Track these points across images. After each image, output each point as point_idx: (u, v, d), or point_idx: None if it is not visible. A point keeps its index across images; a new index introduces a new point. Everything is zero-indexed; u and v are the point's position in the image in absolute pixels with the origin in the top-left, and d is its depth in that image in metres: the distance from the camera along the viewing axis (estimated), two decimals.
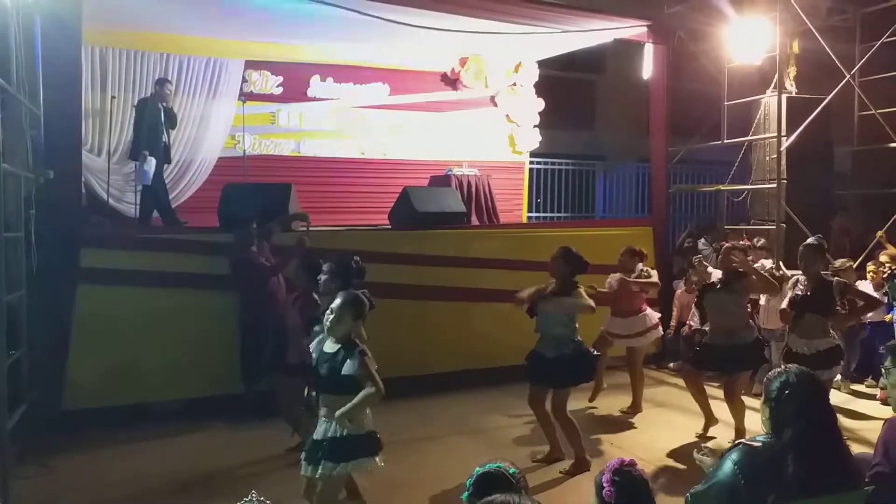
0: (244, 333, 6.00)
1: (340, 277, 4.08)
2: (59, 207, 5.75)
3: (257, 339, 5.79)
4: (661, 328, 6.48)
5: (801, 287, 4.93)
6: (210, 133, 8.97)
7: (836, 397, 5.11)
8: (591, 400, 6.44)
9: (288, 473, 4.59)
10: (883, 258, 6.99)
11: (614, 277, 6.27)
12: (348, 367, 3.38)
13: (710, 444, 2.90)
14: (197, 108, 8.91)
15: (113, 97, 8.27)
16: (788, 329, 5.07)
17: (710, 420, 5.58)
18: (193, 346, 6.07)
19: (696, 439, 5.48)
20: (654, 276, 6.25)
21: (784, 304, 5.04)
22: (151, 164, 7.61)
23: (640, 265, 6.31)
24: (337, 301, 3.51)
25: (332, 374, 3.43)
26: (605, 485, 2.07)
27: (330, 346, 3.53)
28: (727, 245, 5.57)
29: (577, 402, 6.16)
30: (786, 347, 5.00)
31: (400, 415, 5.56)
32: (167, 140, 7.85)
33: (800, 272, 5.08)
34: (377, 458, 3.51)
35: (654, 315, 6.39)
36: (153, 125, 7.68)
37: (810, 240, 5.11)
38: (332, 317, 3.47)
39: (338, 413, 3.34)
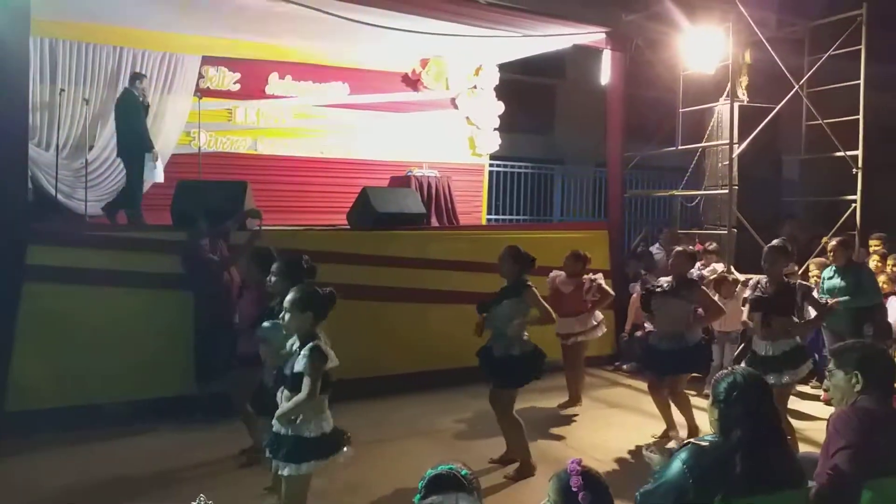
0: (198, 332, 5.89)
1: (289, 277, 4.03)
2: (5, 203, 5.57)
3: (212, 337, 5.69)
4: (603, 327, 6.53)
5: (762, 289, 5.00)
6: (164, 129, 8.78)
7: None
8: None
9: (241, 475, 4.54)
10: (813, 267, 7.19)
11: (558, 277, 6.36)
12: (298, 364, 3.34)
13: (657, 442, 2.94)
14: (151, 102, 8.71)
15: (62, 90, 8.04)
16: (752, 331, 5.14)
17: (671, 428, 5.59)
18: (145, 346, 5.93)
19: (652, 439, 5.58)
20: (606, 286, 6.37)
21: (745, 308, 5.15)
22: (149, 160, 7.49)
23: (597, 276, 6.40)
24: (288, 297, 3.47)
25: (291, 372, 3.41)
26: (576, 489, 2.06)
27: (296, 344, 3.49)
28: (679, 249, 5.68)
29: (540, 402, 6.25)
30: (750, 352, 5.04)
31: (355, 416, 5.51)
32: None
33: (752, 275, 5.22)
34: (340, 455, 3.46)
35: (597, 315, 6.45)
36: (136, 119, 7.56)
37: (775, 242, 5.17)
38: (284, 314, 3.43)
39: (276, 415, 3.33)
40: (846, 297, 6.02)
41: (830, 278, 6.33)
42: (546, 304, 4.91)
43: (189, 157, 8.69)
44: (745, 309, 5.17)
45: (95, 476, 4.72)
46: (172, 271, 5.97)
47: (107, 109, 8.45)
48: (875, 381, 2.61)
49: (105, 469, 4.84)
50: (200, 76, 9.12)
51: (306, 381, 3.28)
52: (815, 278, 7.04)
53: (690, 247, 6.68)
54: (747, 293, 5.29)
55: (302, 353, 3.35)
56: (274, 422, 3.42)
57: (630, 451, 5.36)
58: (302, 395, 3.27)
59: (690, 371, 5.60)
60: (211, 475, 4.73)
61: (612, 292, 6.44)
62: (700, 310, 5.41)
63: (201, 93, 8.82)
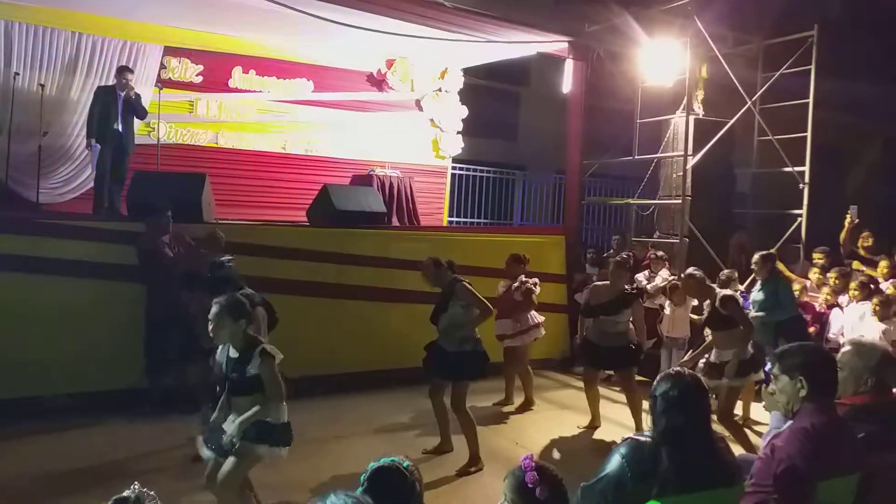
0: (150, 325, 5.82)
1: (203, 289, 4.07)
2: None
3: (164, 330, 5.63)
4: (542, 329, 6.63)
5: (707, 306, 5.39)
6: None
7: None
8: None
9: (189, 467, 4.49)
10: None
11: (502, 282, 6.48)
12: (252, 366, 3.38)
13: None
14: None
15: (16, 74, 7.84)
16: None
17: (595, 419, 6.03)
18: (93, 337, 5.84)
19: (581, 430, 5.94)
20: (534, 290, 6.49)
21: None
22: (96, 151, 7.37)
23: (533, 279, 6.52)
24: (213, 309, 3.50)
25: (240, 378, 3.45)
26: (532, 485, 2.07)
27: (234, 353, 3.53)
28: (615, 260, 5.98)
29: (481, 401, 6.33)
30: (707, 362, 5.31)
31: (308, 413, 5.51)
32: (121, 128, 7.49)
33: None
34: (283, 451, 3.51)
35: (536, 316, 6.56)
36: (103, 113, 7.40)
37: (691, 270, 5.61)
38: (212, 325, 3.48)
39: (233, 428, 3.35)
40: (762, 313, 6.25)
41: (758, 290, 6.57)
42: (480, 297, 5.03)
43: (148, 149, 8.52)
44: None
45: (37, 470, 4.63)
46: (124, 262, 5.90)
47: (63, 96, 8.27)
48: (819, 387, 2.60)
49: (47, 463, 4.75)
50: (162, 67, 8.98)
51: (270, 388, 3.39)
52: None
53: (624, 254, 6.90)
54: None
55: (253, 356, 3.41)
56: (228, 421, 3.44)
57: (573, 450, 5.50)
58: (268, 402, 3.38)
59: (620, 366, 5.95)
60: (160, 468, 4.68)
61: (534, 299, 6.52)
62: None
63: (162, 83, 8.69)
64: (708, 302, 5.43)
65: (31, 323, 5.65)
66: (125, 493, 1.76)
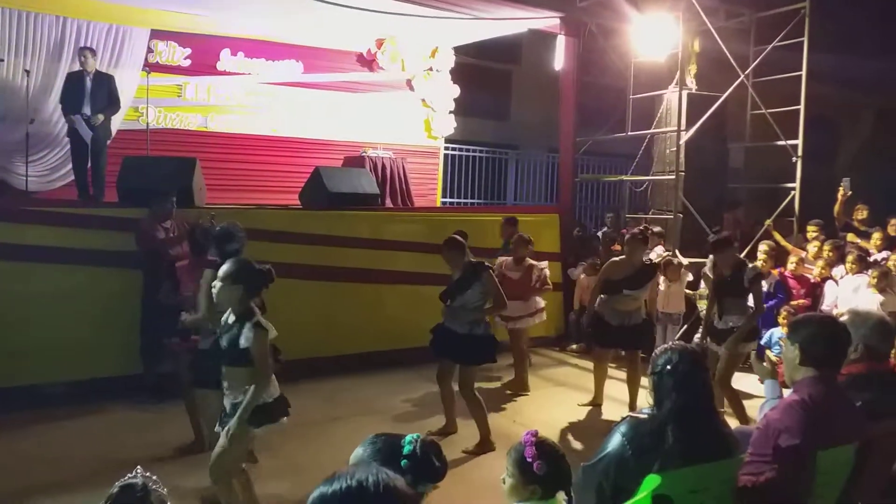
0: (145, 311, 5.79)
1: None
2: None
3: (159, 317, 5.59)
4: (544, 314, 6.66)
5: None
6: None
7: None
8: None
9: (187, 459, 4.49)
10: (762, 250, 7.43)
11: (504, 263, 6.45)
12: (244, 340, 3.33)
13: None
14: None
15: (1, 60, 7.73)
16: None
17: (598, 397, 6.01)
18: (88, 324, 5.81)
19: (582, 406, 5.94)
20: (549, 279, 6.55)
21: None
22: (79, 122, 7.16)
23: (542, 265, 6.52)
24: (222, 268, 3.44)
25: (230, 346, 3.39)
26: (530, 459, 2.10)
27: (231, 317, 3.47)
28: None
29: (483, 384, 6.34)
30: (710, 327, 5.43)
31: (306, 397, 5.51)
32: (88, 112, 7.19)
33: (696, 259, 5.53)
34: (283, 421, 3.50)
35: (539, 301, 6.57)
36: (70, 94, 7.22)
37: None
38: (214, 289, 3.41)
39: (231, 422, 3.31)
40: None
41: None
42: (500, 289, 5.01)
43: (137, 134, 8.46)
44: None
45: (32, 458, 4.61)
46: (118, 248, 5.86)
47: (50, 82, 8.16)
48: (815, 356, 2.59)
49: (43, 451, 4.74)
50: (149, 50, 8.87)
51: (258, 364, 3.31)
52: (762, 262, 7.27)
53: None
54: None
55: (245, 330, 3.34)
56: (224, 400, 3.42)
57: (573, 427, 5.53)
58: (254, 388, 3.30)
59: (638, 347, 5.87)
60: (159, 458, 4.66)
61: (550, 287, 6.61)
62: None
63: (150, 67, 8.57)
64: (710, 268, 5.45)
65: (26, 311, 5.62)
66: (130, 480, 1.75)
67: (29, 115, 7.72)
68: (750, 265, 5.41)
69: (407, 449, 1.86)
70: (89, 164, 7.32)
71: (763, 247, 6.79)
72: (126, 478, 1.75)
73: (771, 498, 2.41)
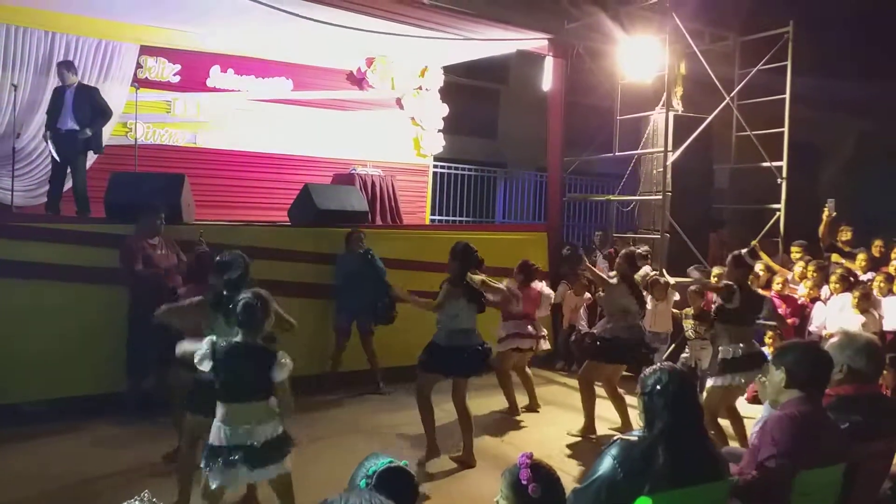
0: (132, 328, 5.73)
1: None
2: None
3: (146, 333, 5.54)
4: (547, 341, 6.67)
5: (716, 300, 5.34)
6: None
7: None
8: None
9: (169, 475, 4.42)
10: (759, 268, 7.50)
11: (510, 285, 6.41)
12: (275, 372, 3.47)
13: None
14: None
15: None
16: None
17: (590, 427, 5.80)
18: (72, 341, 5.74)
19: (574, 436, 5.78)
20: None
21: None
22: (49, 142, 7.15)
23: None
24: (254, 299, 3.49)
25: (261, 380, 3.48)
26: (525, 482, 2.08)
27: (246, 353, 3.51)
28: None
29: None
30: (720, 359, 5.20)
31: (295, 414, 5.47)
32: (73, 126, 7.08)
33: (682, 278, 5.48)
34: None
35: (541, 327, 6.56)
36: (51, 109, 7.16)
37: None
38: (257, 315, 3.50)
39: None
40: None
41: None
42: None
43: (125, 149, 8.41)
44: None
45: (14, 476, 4.54)
46: (104, 265, 5.80)
47: (37, 96, 8.11)
48: (801, 379, 2.68)
49: (25, 469, 4.68)
50: (138, 66, 8.86)
51: (287, 399, 3.47)
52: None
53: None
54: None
55: (279, 360, 3.43)
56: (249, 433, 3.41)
57: (564, 448, 5.51)
58: (289, 401, 3.47)
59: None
60: (146, 475, 4.60)
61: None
62: None
63: (139, 83, 8.56)
64: (717, 296, 5.30)
65: (8, 327, 5.54)
66: (135, 499, 1.73)
67: (16, 129, 7.66)
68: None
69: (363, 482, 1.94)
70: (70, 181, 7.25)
71: (759, 265, 6.85)
72: (132, 500, 1.72)
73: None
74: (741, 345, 4.98)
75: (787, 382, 2.69)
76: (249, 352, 3.46)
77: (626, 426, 5.68)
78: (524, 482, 2.09)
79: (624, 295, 5.67)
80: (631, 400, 5.88)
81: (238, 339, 3.47)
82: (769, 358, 2.91)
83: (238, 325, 3.45)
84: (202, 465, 3.42)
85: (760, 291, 6.95)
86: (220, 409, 3.42)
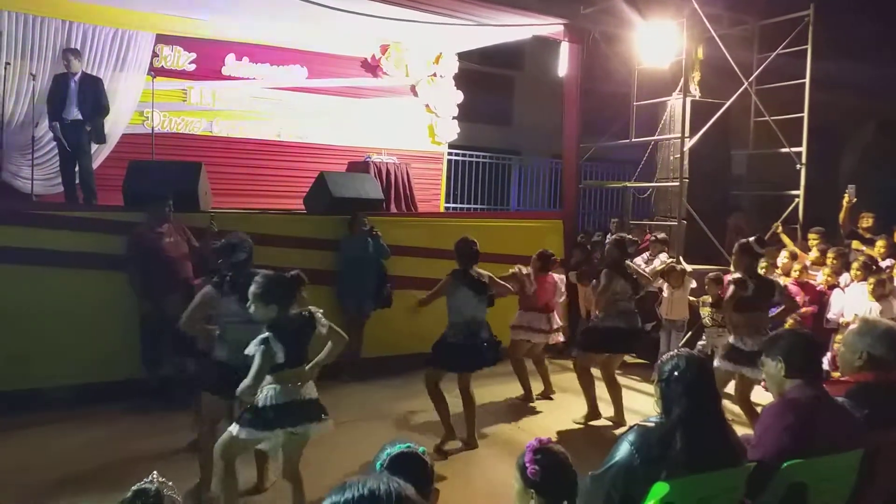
0: (143, 318, 5.79)
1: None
2: None
3: (156, 323, 5.61)
4: (562, 334, 6.66)
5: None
6: (115, 108, 8.50)
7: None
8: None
9: (193, 463, 4.47)
10: (783, 255, 7.43)
11: (524, 272, 6.40)
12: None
13: None
14: (102, 81, 8.45)
15: (7, 64, 7.76)
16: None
17: (594, 413, 5.81)
18: (90, 328, 5.82)
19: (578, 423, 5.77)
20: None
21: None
22: (57, 131, 7.18)
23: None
24: (251, 288, 3.54)
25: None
26: (528, 465, 2.13)
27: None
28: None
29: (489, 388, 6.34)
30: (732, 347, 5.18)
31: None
32: (77, 115, 7.15)
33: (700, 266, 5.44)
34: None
35: (557, 319, 6.55)
36: (55, 97, 7.20)
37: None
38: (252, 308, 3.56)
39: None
40: None
41: None
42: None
43: (141, 138, 8.49)
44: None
45: (32, 463, 4.62)
46: (122, 253, 5.86)
47: None
48: (798, 366, 2.71)
49: (43, 456, 4.75)
50: (154, 55, 8.91)
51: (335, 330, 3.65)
52: (762, 269, 7.24)
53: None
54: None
55: (316, 318, 3.58)
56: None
57: (578, 434, 5.52)
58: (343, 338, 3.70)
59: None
60: (163, 461, 4.66)
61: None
62: None
63: (155, 72, 8.61)
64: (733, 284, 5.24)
65: (30, 315, 5.62)
66: (144, 484, 1.76)
67: (35, 118, 7.74)
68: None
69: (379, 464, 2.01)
70: (76, 169, 7.32)
71: (784, 252, 6.81)
72: (142, 482, 1.74)
73: None
74: (754, 338, 4.97)
75: (787, 372, 2.71)
76: (291, 322, 3.55)
77: (618, 415, 5.72)
78: (526, 464, 2.14)
79: (617, 282, 5.61)
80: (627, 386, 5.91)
81: (274, 315, 3.52)
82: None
83: (275, 301, 3.51)
84: (244, 427, 3.47)
85: (782, 279, 6.91)
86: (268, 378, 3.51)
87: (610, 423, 5.74)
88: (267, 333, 3.47)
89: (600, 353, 5.80)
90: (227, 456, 3.60)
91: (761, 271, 6.54)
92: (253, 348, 3.44)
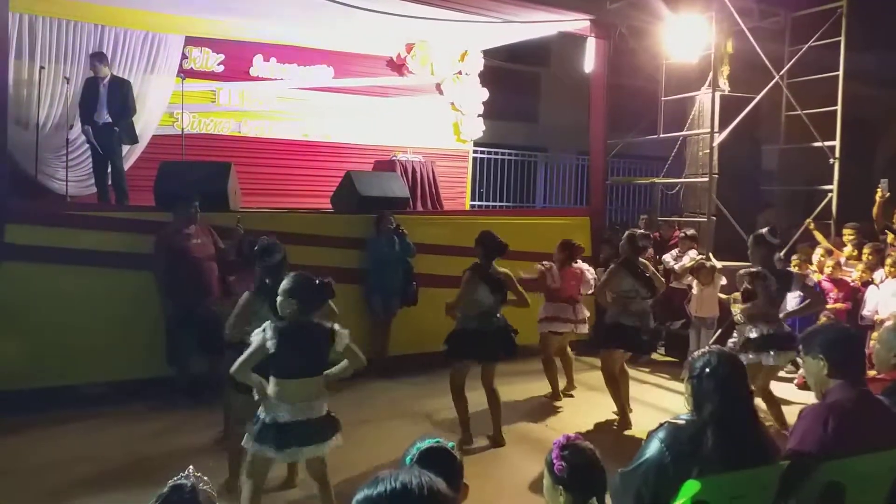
0: (171, 314, 5.87)
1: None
2: None
3: (182, 322, 5.69)
4: (586, 325, 6.58)
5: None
6: (146, 109, 8.68)
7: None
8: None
9: (220, 461, 4.53)
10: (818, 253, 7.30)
11: (551, 267, 6.35)
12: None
13: None
14: (133, 83, 8.59)
15: (42, 68, 7.93)
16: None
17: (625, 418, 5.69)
18: (123, 326, 5.93)
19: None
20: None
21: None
22: (88, 134, 7.34)
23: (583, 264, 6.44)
24: (283, 284, 3.53)
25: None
26: (555, 461, 2.14)
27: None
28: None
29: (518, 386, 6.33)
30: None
31: (338, 398, 5.51)
32: (107, 118, 7.28)
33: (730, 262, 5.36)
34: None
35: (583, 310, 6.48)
36: (85, 102, 7.35)
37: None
38: (279, 301, 3.54)
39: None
40: None
41: None
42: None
43: (172, 139, 8.62)
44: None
45: (67, 458, 4.71)
46: (150, 252, 5.96)
47: None
48: (841, 363, 2.62)
49: (78, 451, 4.84)
50: (184, 57, 9.04)
51: (353, 349, 3.59)
52: (795, 265, 7.12)
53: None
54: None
55: (337, 332, 3.53)
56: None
57: (607, 432, 5.48)
58: (361, 359, 3.65)
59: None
60: (191, 456, 4.72)
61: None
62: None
63: (184, 74, 8.75)
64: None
65: (67, 313, 5.74)
66: (181, 480, 1.78)
67: (69, 121, 7.91)
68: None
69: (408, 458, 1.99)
70: (109, 170, 7.46)
71: (819, 250, 6.71)
72: (177, 477, 1.77)
73: None
74: (768, 325, 4.97)
75: (829, 371, 2.63)
76: (308, 329, 3.52)
77: (622, 414, 5.65)
78: (553, 461, 2.15)
79: (624, 279, 5.54)
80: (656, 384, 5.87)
81: (293, 311, 3.48)
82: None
83: (296, 297, 3.46)
84: (253, 440, 3.47)
85: (815, 276, 6.79)
86: (274, 386, 3.47)
87: (642, 423, 5.67)
88: (271, 323, 3.48)
89: (610, 350, 5.72)
90: (255, 475, 3.60)
91: (795, 268, 6.46)
92: (253, 336, 3.47)
